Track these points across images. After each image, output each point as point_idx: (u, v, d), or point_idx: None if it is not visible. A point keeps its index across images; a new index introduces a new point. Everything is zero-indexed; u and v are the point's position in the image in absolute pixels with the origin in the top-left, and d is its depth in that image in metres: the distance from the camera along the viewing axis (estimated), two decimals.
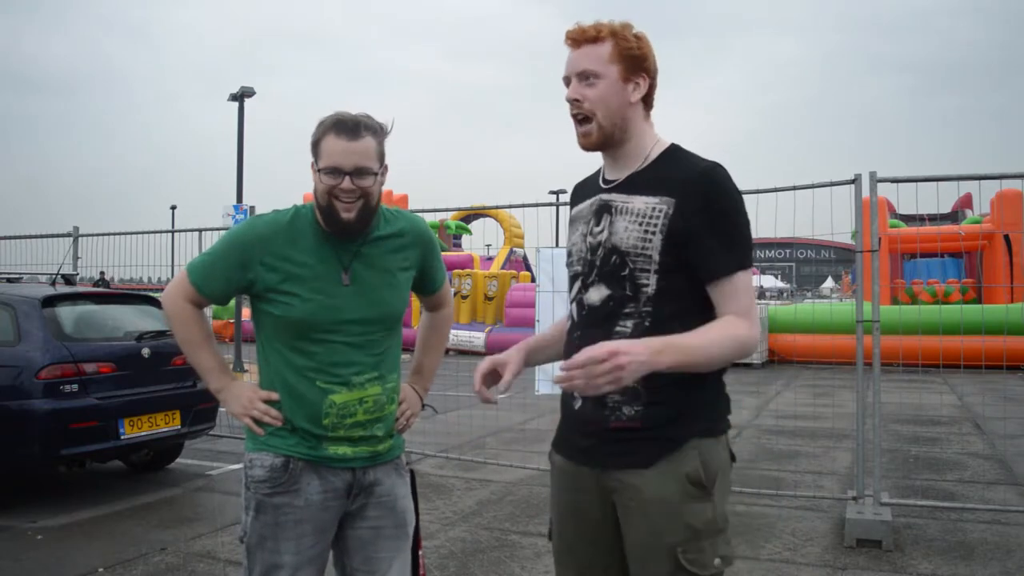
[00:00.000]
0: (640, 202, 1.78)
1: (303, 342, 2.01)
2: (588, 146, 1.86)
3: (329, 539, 2.08)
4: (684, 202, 1.72)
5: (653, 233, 1.74)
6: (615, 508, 1.81)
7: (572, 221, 1.97)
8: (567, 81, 1.85)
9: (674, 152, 1.84)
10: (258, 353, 2.09)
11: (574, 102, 1.82)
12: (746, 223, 1.77)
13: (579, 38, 1.81)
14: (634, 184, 1.81)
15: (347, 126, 1.94)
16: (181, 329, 2.10)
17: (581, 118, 1.83)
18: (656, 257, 1.73)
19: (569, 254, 1.94)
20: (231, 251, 2.03)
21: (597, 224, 1.85)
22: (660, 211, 1.74)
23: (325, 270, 2.01)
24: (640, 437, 1.75)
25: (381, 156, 2.01)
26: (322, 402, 2.00)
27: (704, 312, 1.74)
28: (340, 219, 1.97)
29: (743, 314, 1.71)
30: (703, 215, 1.71)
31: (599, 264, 1.82)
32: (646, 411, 1.74)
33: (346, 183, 1.94)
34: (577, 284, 1.88)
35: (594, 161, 1.97)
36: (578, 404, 1.84)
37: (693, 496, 1.72)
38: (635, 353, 1.55)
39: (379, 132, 2.00)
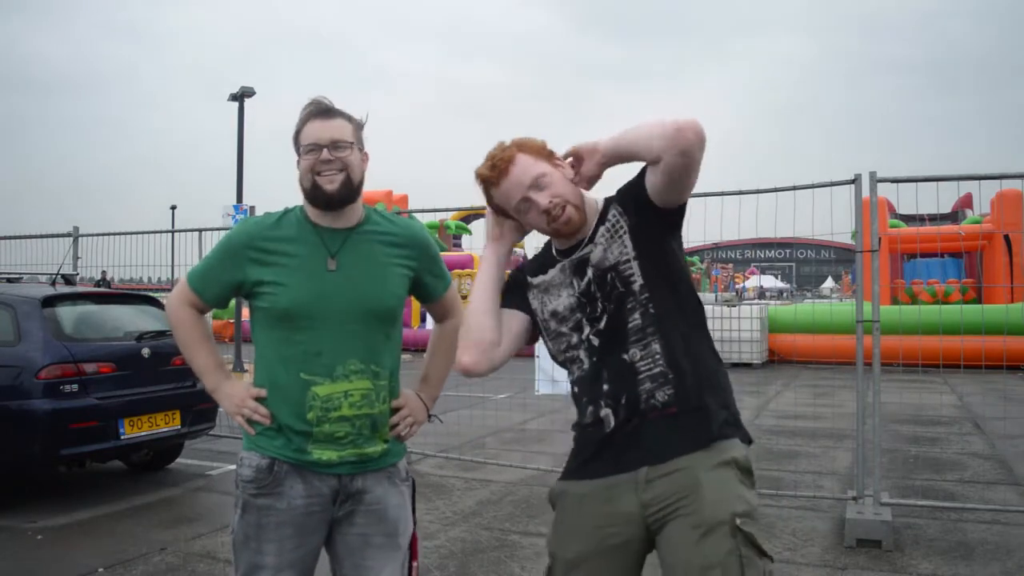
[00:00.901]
0: (603, 228, 1.91)
1: (289, 331, 2.02)
2: (570, 231, 1.94)
3: (315, 542, 2.07)
4: (624, 196, 1.92)
5: (624, 236, 1.90)
6: (646, 528, 1.84)
7: (541, 289, 2.00)
8: (524, 203, 1.91)
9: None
10: (254, 353, 2.12)
11: (552, 204, 1.89)
12: None
13: (503, 167, 1.90)
14: (595, 232, 1.93)
15: (320, 109, 2.06)
16: (181, 332, 2.16)
17: (558, 212, 1.89)
18: (631, 251, 1.87)
19: (554, 314, 1.97)
20: (224, 254, 2.09)
21: (581, 279, 1.93)
22: (618, 217, 1.91)
23: (311, 257, 2.04)
24: (683, 419, 1.83)
25: (358, 138, 2.09)
26: (305, 394, 2.01)
27: (681, 264, 1.94)
28: (324, 191, 2.02)
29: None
30: (632, 183, 1.92)
31: (601, 293, 1.90)
32: (677, 393, 1.83)
33: (325, 154, 2.01)
34: (584, 327, 1.93)
35: None
36: (611, 426, 1.88)
37: (742, 481, 1.85)
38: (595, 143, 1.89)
39: (352, 119, 2.09)
